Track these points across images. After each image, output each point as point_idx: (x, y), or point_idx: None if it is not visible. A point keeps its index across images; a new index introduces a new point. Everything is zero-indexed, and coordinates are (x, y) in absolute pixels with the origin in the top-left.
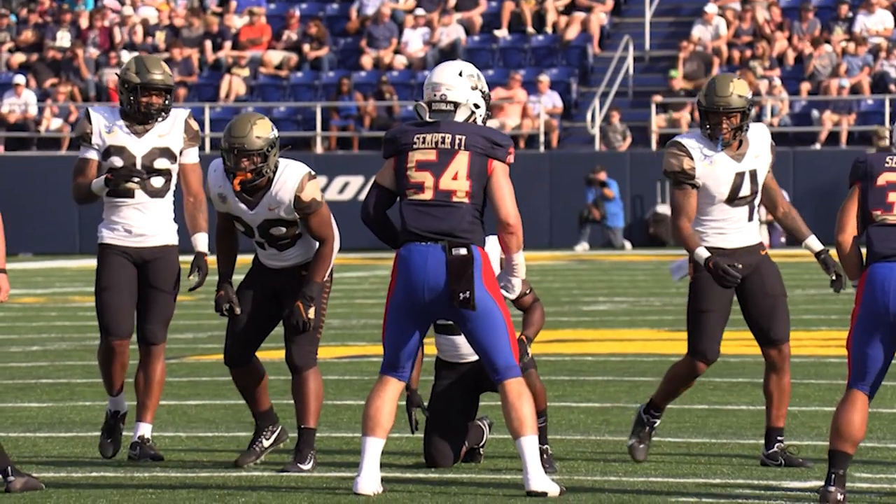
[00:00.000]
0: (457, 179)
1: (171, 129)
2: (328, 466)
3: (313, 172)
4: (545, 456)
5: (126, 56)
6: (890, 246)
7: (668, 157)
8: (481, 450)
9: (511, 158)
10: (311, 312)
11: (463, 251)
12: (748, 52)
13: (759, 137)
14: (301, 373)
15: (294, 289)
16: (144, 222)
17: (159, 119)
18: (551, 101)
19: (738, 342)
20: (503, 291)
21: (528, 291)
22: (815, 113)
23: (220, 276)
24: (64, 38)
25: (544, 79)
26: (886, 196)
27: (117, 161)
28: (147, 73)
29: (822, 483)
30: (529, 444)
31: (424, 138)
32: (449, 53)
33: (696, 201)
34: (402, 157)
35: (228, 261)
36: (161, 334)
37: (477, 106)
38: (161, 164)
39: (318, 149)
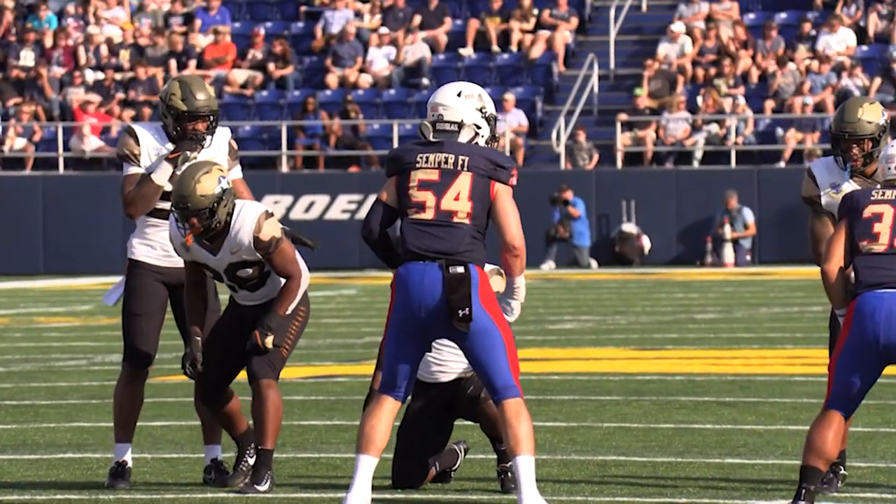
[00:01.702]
0: (458, 200)
1: (217, 153)
2: (294, 487)
3: (270, 210)
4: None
5: (91, 76)
6: (876, 274)
7: (803, 182)
8: (452, 472)
9: (514, 181)
10: (269, 342)
11: (460, 269)
12: (713, 70)
13: None
14: (258, 380)
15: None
16: None
17: (206, 144)
18: (517, 119)
19: (703, 360)
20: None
21: None
22: (779, 131)
23: (189, 331)
24: (28, 58)
25: (509, 97)
26: (872, 227)
27: (165, 185)
28: (194, 99)
29: (786, 502)
30: (525, 464)
31: (427, 158)
32: (414, 72)
33: (829, 230)
34: (405, 176)
35: (199, 316)
36: None
37: (478, 127)
38: None
39: (284, 168)
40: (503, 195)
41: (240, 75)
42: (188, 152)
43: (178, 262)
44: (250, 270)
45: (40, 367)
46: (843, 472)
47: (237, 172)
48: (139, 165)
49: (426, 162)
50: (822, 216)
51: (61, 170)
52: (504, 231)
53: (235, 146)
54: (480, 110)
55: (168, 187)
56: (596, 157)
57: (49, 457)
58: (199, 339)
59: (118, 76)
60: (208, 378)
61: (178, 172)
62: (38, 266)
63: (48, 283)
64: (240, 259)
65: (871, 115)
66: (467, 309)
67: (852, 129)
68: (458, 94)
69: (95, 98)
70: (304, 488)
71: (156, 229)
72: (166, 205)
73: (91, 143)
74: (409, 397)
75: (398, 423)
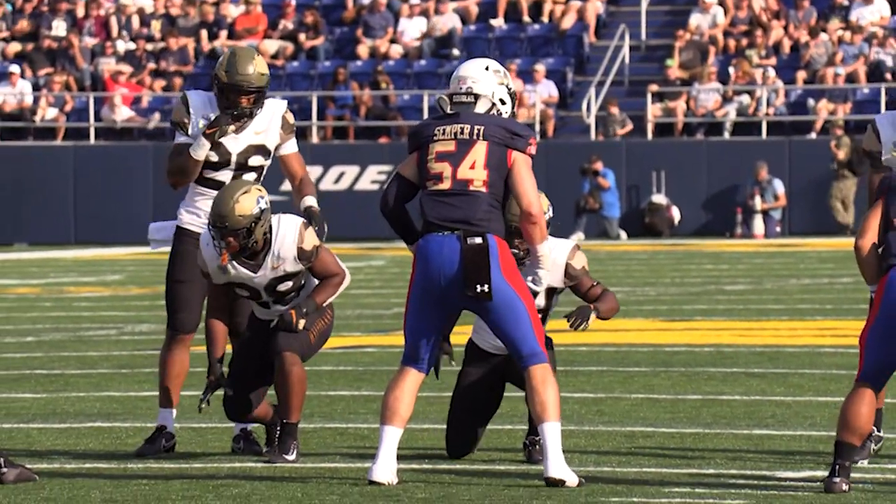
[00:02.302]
0: (474, 169)
1: (268, 126)
2: (321, 456)
3: (306, 221)
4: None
5: (122, 46)
6: None
7: (865, 135)
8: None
9: (532, 149)
10: (301, 324)
11: (478, 240)
12: (744, 41)
13: None
14: (282, 353)
15: None
16: None
17: (254, 116)
18: (547, 90)
19: (732, 332)
20: (531, 284)
21: (595, 284)
22: (810, 102)
23: (210, 361)
24: (59, 28)
25: (540, 68)
26: None
27: (212, 156)
28: (236, 73)
29: (814, 473)
30: (551, 431)
31: (444, 129)
32: (445, 42)
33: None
34: (424, 150)
35: (221, 343)
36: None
37: (503, 102)
38: (255, 161)
39: (314, 138)
40: (520, 163)
41: (271, 45)
42: (224, 127)
43: None
44: (290, 283)
45: (70, 336)
46: (877, 433)
47: (292, 146)
48: (188, 134)
49: (443, 134)
50: (881, 172)
51: (92, 140)
52: (521, 199)
53: (291, 119)
54: (506, 86)
55: (213, 157)
56: (630, 125)
57: (78, 426)
58: (219, 365)
59: (149, 46)
60: (233, 396)
61: (222, 142)
62: (69, 236)
63: (79, 252)
64: (282, 273)
65: None
66: (486, 286)
67: None
68: (486, 69)
69: (127, 68)
70: (331, 458)
71: (203, 198)
72: (214, 174)
73: (122, 114)
74: (463, 361)
75: (451, 392)
